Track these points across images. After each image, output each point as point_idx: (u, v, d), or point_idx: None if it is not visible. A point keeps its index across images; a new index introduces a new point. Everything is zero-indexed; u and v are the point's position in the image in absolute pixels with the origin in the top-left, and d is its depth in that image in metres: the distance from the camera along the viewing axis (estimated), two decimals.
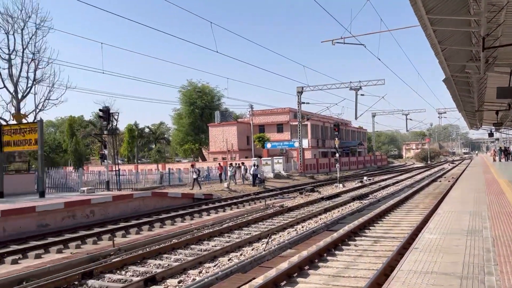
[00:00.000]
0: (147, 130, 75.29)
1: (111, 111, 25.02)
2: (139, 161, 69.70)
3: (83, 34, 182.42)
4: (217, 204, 21.15)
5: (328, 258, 9.00)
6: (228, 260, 9.51)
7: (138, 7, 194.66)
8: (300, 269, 8.02)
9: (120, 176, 27.13)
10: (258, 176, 32.14)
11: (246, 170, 33.66)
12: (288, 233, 12.72)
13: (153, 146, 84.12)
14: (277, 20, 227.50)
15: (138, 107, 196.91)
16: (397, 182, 32.53)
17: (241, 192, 27.96)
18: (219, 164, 35.74)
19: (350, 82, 41.57)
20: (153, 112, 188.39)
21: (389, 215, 14.96)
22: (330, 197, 22.38)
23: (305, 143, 53.99)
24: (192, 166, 31.35)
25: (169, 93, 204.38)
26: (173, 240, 11.84)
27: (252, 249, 10.51)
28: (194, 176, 28.77)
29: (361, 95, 42.70)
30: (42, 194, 18.86)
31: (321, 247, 9.35)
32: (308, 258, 8.48)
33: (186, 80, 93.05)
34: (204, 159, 60.87)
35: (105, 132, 25.21)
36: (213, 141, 58.90)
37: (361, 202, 19.76)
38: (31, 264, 10.08)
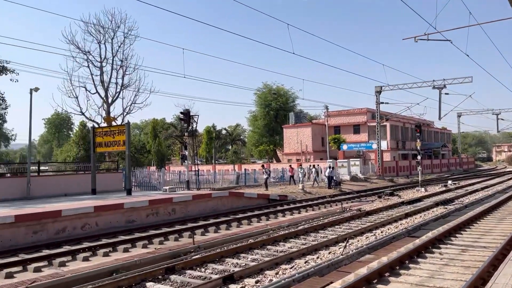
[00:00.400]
0: (224, 131, 77.61)
1: (191, 114, 26.09)
2: (216, 162, 72.00)
3: (166, 41, 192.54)
4: (292, 206, 21.14)
5: (410, 265, 8.57)
6: (305, 262, 9.45)
7: (216, 12, 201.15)
8: (380, 276, 7.73)
9: (199, 176, 28.20)
10: (334, 178, 31.57)
11: (317, 172, 33.18)
12: (366, 237, 12.33)
13: (230, 147, 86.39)
14: (355, 19, 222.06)
15: (215, 110, 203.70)
16: (486, 187, 30.12)
17: (316, 194, 27.68)
18: (290, 166, 35.68)
19: (433, 80, 39.33)
20: (230, 114, 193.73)
21: (478, 222, 13.88)
22: (411, 202, 21.34)
23: (384, 144, 52.02)
24: (263, 167, 31.70)
25: (245, 95, 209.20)
26: (250, 240, 12.03)
27: (329, 253, 10.34)
28: (265, 177, 29.15)
29: (446, 94, 40.11)
30: (129, 192, 20.19)
31: (403, 254, 8.93)
32: (388, 265, 8.15)
33: (261, 83, 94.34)
34: (278, 160, 61.20)
35: (186, 133, 26.39)
36: (287, 142, 58.98)
37: (446, 208, 18.57)
38: (120, 257, 10.83)
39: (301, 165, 34.19)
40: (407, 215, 16.58)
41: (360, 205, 21.31)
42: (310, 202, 22.63)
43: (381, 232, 13.24)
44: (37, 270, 9.62)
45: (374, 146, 46.26)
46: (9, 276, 9.18)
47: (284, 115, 61.40)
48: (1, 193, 18.98)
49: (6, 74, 27.25)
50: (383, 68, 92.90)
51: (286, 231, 13.30)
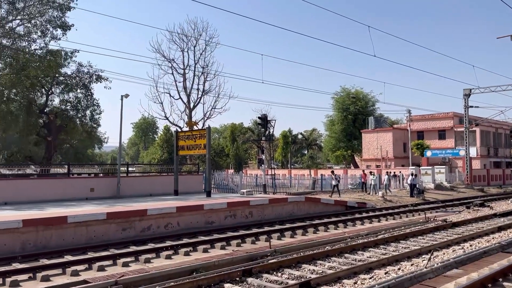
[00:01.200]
0: (300, 136, 77.26)
1: (268, 119, 26.42)
2: (292, 166, 72.00)
3: (245, 47, 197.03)
4: (371, 214, 20.48)
5: (505, 284, 7.85)
6: (385, 273, 9.07)
7: (294, 17, 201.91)
8: None
9: (275, 180, 28.39)
10: (417, 186, 30.01)
11: (390, 179, 31.56)
12: (453, 251, 11.53)
13: (306, 152, 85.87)
14: (441, 18, 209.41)
15: (292, 114, 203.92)
16: None
17: (397, 203, 26.55)
18: (363, 171, 34.38)
19: None
20: (306, 119, 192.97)
21: None
22: (505, 214, 19.59)
23: (473, 151, 48.38)
24: (332, 172, 30.92)
25: (322, 99, 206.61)
26: (327, 247, 11.83)
27: (412, 265, 9.82)
28: (334, 183, 28.37)
29: None
30: (208, 194, 20.90)
31: (496, 271, 8.20)
32: (479, 282, 7.53)
33: (339, 86, 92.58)
34: (356, 166, 59.58)
35: (263, 138, 26.76)
36: (366, 148, 57.23)
37: None
38: (199, 256, 11.22)
39: (371, 172, 32.90)
40: (500, 229, 15.23)
41: (445, 215, 20.01)
42: (390, 211, 21.75)
43: (470, 245, 12.30)
44: (125, 265, 10.31)
45: (462, 153, 43.25)
46: (101, 269, 9.95)
47: (363, 120, 59.65)
48: (96, 192, 20.70)
49: (100, 82, 29.75)
50: (473, 70, 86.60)
51: (365, 240, 12.89)
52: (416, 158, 50.07)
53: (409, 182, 30.34)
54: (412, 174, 30.46)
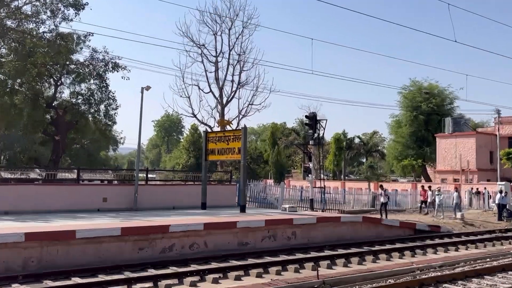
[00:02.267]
0: (357, 140, 76.38)
1: (317, 118, 26.23)
2: (346, 177, 71.31)
3: (291, 30, 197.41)
4: (446, 240, 19.98)
5: None
6: None
7: None
8: None
9: (325, 194, 28.17)
10: (507, 207, 28.96)
11: (459, 197, 30.33)
12: None
13: (364, 160, 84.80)
14: None
15: (347, 113, 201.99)
16: None
17: (480, 227, 25.87)
18: (422, 187, 33.46)
19: None
20: (365, 119, 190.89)
21: None
22: None
23: None
24: (381, 187, 30.10)
25: (386, 95, 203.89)
26: (389, 280, 11.61)
27: None
28: (383, 200, 27.56)
29: None
30: (243, 209, 20.96)
31: None
32: None
33: (408, 79, 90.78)
34: (428, 179, 58.15)
35: (310, 142, 26.61)
36: (441, 156, 55.76)
37: None
38: (230, 285, 11.31)
39: (429, 186, 31.99)
40: None
41: None
42: (471, 237, 21.12)
43: None
44: None
45: None
46: None
47: (438, 121, 58.20)
48: (109, 202, 21.08)
49: (117, 71, 30.42)
50: None
51: (438, 273, 12.58)
52: (507, 171, 48.32)
53: (496, 201, 29.42)
54: (501, 192, 29.49)
